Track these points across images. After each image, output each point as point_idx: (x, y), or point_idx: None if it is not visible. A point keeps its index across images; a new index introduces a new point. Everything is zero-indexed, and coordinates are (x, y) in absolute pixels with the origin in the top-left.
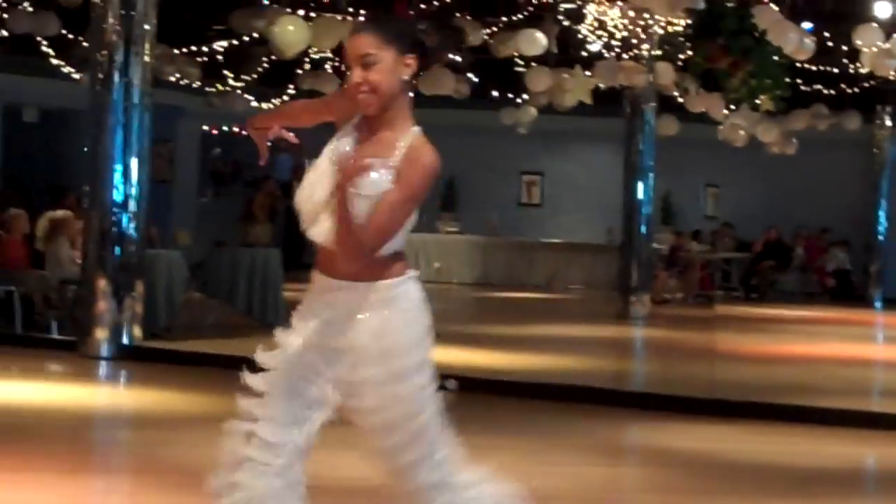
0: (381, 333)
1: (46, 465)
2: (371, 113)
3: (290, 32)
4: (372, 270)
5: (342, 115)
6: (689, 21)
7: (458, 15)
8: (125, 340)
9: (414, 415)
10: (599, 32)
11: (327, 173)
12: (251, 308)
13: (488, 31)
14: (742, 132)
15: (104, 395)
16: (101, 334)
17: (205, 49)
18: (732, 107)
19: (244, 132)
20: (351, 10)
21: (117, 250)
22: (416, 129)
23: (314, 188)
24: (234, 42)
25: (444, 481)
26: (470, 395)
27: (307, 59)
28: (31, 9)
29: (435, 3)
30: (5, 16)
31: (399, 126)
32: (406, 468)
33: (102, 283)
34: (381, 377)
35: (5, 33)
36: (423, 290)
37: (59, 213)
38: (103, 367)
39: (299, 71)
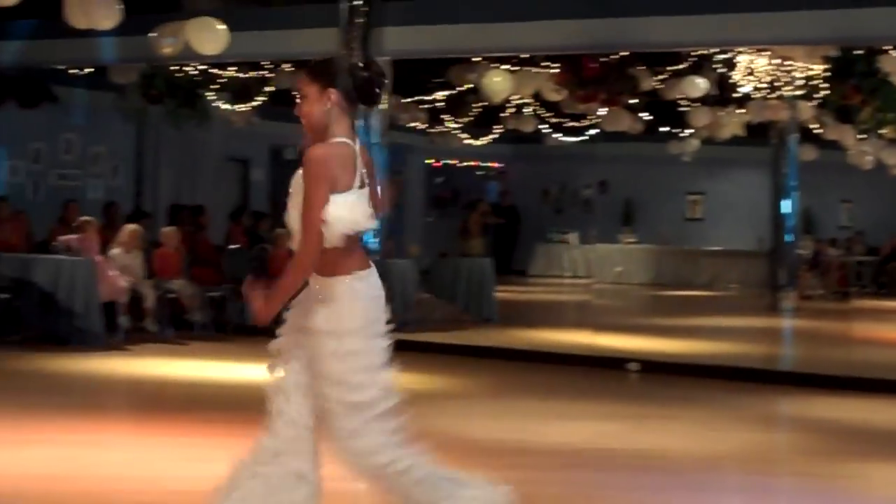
0: (328, 319)
1: None
2: (311, 134)
3: (497, 82)
4: (325, 267)
5: None
6: (826, 66)
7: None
8: None
9: (352, 397)
10: (750, 77)
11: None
12: (469, 306)
13: (658, 77)
14: (870, 157)
15: None
16: None
17: (428, 98)
18: (862, 136)
19: (461, 165)
20: (546, 63)
21: None
22: (335, 139)
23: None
24: (452, 91)
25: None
26: (650, 376)
27: (511, 104)
28: (290, 68)
29: (616, 56)
30: (272, 75)
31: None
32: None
33: None
34: (326, 356)
35: (271, 88)
36: (375, 285)
37: None
38: None
39: (504, 114)
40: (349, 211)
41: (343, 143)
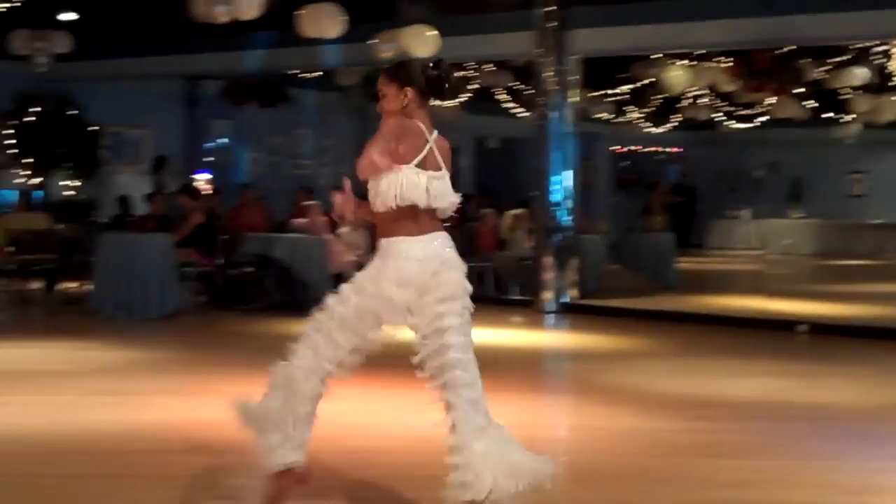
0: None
1: (511, 386)
2: None
3: (676, 76)
4: (383, 230)
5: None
6: None
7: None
8: (565, 299)
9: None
10: None
11: None
12: (652, 275)
13: (822, 68)
14: None
15: (550, 337)
16: (548, 295)
17: (614, 91)
18: None
19: (643, 150)
20: (721, 58)
21: (558, 236)
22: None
23: None
24: (635, 85)
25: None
26: (818, 337)
27: (688, 95)
28: (492, 68)
29: (783, 50)
30: (476, 74)
31: None
32: None
33: (548, 259)
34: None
35: (475, 86)
36: (415, 249)
37: (517, 211)
38: (550, 319)
39: (682, 104)
40: (400, 184)
41: (415, 123)
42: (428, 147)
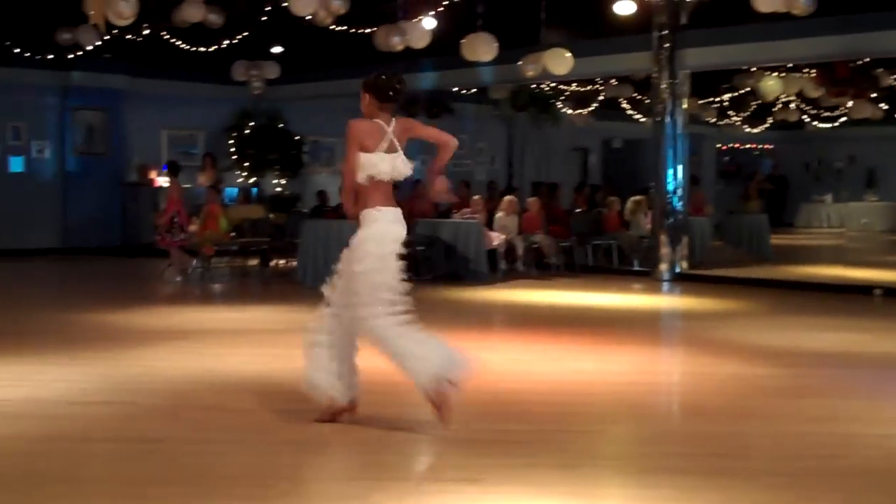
0: (358, 235)
1: (634, 341)
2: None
3: (770, 85)
4: (358, 206)
5: None
6: None
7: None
8: (678, 270)
9: (363, 291)
10: None
11: None
12: (750, 250)
13: (895, 76)
14: None
15: (665, 301)
16: (664, 266)
17: (718, 99)
18: None
19: (742, 147)
20: (808, 69)
21: (671, 218)
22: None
23: None
24: (735, 93)
25: (387, 333)
26: (891, 299)
27: (780, 101)
28: (615, 83)
29: (861, 62)
30: (603, 87)
31: None
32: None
33: (664, 237)
34: (354, 259)
35: (602, 97)
36: (385, 219)
37: (637, 197)
38: (665, 286)
39: (774, 108)
40: (373, 164)
41: (372, 122)
42: (387, 137)
